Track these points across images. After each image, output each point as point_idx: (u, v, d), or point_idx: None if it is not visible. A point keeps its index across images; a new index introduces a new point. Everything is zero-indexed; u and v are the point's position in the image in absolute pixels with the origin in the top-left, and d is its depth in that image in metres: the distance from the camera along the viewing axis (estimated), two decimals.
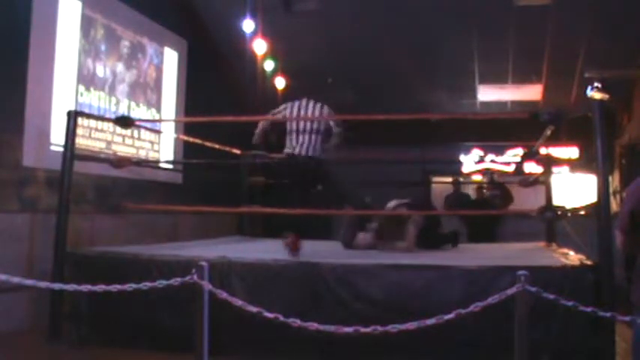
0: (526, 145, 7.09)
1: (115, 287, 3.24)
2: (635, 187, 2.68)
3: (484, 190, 9.41)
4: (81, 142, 5.97)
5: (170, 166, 8.23)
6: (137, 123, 6.80)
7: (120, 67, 7.26)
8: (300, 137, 4.95)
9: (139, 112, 7.60)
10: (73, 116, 5.02)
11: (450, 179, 10.42)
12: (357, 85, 10.25)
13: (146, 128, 7.58)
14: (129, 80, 7.45)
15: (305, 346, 3.96)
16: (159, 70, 8.14)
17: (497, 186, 9.04)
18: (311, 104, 5.05)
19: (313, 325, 2.96)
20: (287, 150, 5.05)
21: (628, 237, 2.66)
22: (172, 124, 8.36)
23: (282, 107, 5.15)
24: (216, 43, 9.59)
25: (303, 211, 4.71)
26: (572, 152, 11.21)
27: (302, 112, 5.01)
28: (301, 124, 4.96)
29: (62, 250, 4.74)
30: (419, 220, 5.60)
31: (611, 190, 6.11)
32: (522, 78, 10.33)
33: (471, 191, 10.25)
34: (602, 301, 3.66)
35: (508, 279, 3.27)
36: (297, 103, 5.08)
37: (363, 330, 2.86)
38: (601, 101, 4.28)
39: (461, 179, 10.96)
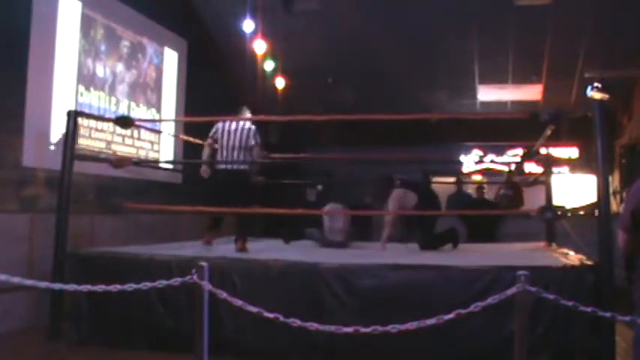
0: (526, 145, 7.08)
1: (115, 287, 3.23)
2: (637, 186, 2.68)
3: (483, 190, 9.39)
4: (81, 142, 5.98)
5: (170, 166, 8.23)
6: (137, 123, 6.80)
7: (120, 67, 7.26)
8: (231, 152, 5.51)
9: (139, 112, 7.60)
10: (73, 116, 5.02)
11: (451, 179, 10.39)
12: (357, 85, 10.25)
13: (146, 128, 7.58)
14: (129, 80, 7.45)
15: (305, 346, 3.96)
16: (159, 70, 8.14)
17: (511, 187, 8.98)
18: (241, 123, 5.60)
19: (313, 325, 2.96)
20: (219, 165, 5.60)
21: (630, 236, 2.66)
22: (172, 124, 8.36)
23: (214, 129, 5.68)
24: (216, 43, 9.59)
25: (302, 212, 4.72)
26: (572, 152, 11.20)
27: (233, 129, 5.55)
28: (231, 141, 5.51)
29: (62, 250, 4.74)
30: (395, 217, 5.57)
31: (611, 190, 6.10)
32: (522, 78, 10.33)
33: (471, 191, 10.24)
34: (602, 301, 3.66)
35: (508, 279, 3.27)
36: (227, 123, 5.61)
37: (363, 330, 2.86)
38: (601, 101, 4.27)
39: (464, 179, 10.94)
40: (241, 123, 5.61)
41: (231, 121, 5.59)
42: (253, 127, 5.63)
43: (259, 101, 9.43)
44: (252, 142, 5.56)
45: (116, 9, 7.12)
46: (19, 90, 5.52)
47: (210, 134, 5.68)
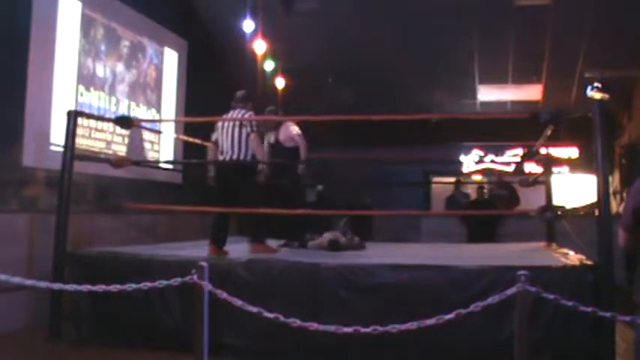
0: (526, 145, 7.09)
1: (115, 287, 3.23)
2: (637, 185, 2.67)
3: (484, 190, 9.40)
4: (81, 142, 5.97)
5: (170, 166, 8.23)
6: (137, 123, 6.79)
7: (120, 67, 7.26)
8: (228, 144, 5.02)
9: (139, 112, 7.60)
10: (73, 116, 5.01)
11: (451, 179, 10.37)
12: (357, 85, 10.26)
13: (146, 128, 7.58)
14: (129, 80, 7.45)
15: (305, 346, 3.96)
16: (159, 70, 8.14)
17: (505, 186, 9.01)
18: (237, 110, 5.12)
19: (313, 325, 2.96)
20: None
21: (631, 236, 2.65)
22: (172, 124, 8.36)
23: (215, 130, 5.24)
24: (216, 43, 9.59)
25: (302, 212, 4.71)
26: (572, 152, 11.21)
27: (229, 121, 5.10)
28: (225, 133, 5.04)
29: (62, 250, 4.74)
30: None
31: (611, 190, 6.10)
32: (522, 78, 10.34)
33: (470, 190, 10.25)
34: (602, 301, 3.66)
35: (508, 279, 3.27)
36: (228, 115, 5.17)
37: (363, 330, 2.86)
38: (601, 101, 4.27)
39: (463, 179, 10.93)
40: (237, 110, 5.13)
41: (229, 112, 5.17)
42: (249, 112, 5.11)
43: (259, 101, 9.43)
44: (248, 128, 5.02)
45: (116, 9, 7.12)
46: (19, 90, 5.52)
47: (213, 138, 5.29)
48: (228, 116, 5.11)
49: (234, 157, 4.97)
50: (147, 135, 7.68)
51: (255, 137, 5.01)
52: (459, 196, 9.55)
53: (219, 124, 5.16)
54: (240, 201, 4.84)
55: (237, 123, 4.99)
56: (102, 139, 6.75)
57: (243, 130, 4.99)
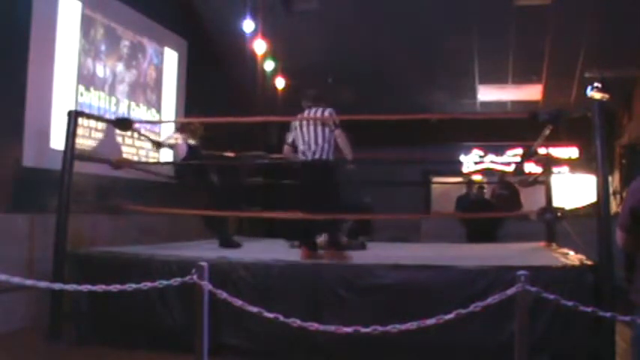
0: (526, 145, 7.09)
1: (115, 287, 3.23)
2: (637, 184, 2.66)
3: (483, 190, 9.39)
4: (81, 142, 5.97)
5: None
6: (136, 125, 6.77)
7: (120, 67, 7.26)
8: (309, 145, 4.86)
9: (139, 112, 7.60)
10: (73, 116, 5.01)
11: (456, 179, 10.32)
12: (357, 85, 10.26)
13: (146, 129, 7.57)
14: (129, 80, 7.45)
15: (305, 346, 3.96)
16: (159, 70, 8.14)
17: (506, 187, 8.99)
18: (313, 109, 4.98)
19: (313, 325, 2.96)
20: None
21: (629, 235, 2.64)
22: (172, 124, 8.35)
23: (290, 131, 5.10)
24: (216, 43, 9.59)
25: (303, 215, 4.70)
26: (572, 152, 11.20)
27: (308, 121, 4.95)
28: (305, 134, 4.87)
29: (62, 250, 4.74)
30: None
31: (611, 190, 6.10)
32: (522, 78, 10.33)
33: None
34: (602, 301, 3.66)
35: (508, 279, 3.27)
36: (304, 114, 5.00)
37: (363, 330, 2.86)
38: (601, 101, 4.27)
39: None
40: (314, 109, 4.94)
41: (304, 111, 4.96)
42: (329, 109, 4.93)
43: (259, 101, 9.45)
44: (332, 126, 4.83)
45: (116, 9, 7.12)
46: (19, 90, 5.52)
47: (289, 139, 5.07)
48: (306, 115, 4.94)
49: (317, 156, 4.81)
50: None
51: (342, 134, 4.85)
52: (473, 195, 9.52)
53: (296, 123, 4.97)
54: (319, 201, 4.67)
55: (319, 122, 4.84)
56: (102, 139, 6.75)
57: (326, 129, 4.83)
